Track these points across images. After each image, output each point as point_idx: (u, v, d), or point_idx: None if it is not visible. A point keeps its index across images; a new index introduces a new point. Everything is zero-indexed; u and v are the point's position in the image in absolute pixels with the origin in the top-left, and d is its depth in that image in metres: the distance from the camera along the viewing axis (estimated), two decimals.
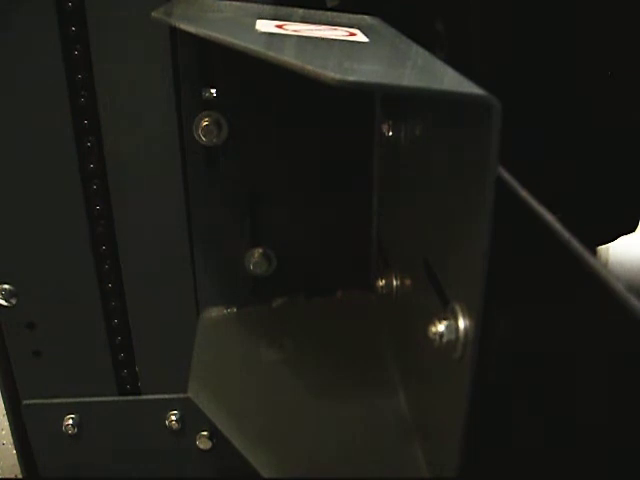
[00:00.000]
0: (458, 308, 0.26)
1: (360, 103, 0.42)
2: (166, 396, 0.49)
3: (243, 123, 0.42)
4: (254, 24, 0.34)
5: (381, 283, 0.42)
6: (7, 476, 0.66)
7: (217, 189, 0.43)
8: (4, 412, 0.49)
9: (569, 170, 0.47)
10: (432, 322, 0.27)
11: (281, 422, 0.37)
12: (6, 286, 0.44)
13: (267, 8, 0.40)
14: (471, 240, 0.25)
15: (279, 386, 0.40)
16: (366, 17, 0.42)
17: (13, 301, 0.45)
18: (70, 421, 0.49)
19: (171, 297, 0.46)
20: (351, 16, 0.41)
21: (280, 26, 0.34)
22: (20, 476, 0.52)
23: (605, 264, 0.77)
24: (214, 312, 0.46)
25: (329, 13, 0.40)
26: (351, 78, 0.22)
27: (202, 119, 0.41)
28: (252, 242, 0.45)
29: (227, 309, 0.47)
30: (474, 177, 0.24)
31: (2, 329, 0.46)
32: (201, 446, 0.50)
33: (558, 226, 0.23)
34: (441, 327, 0.27)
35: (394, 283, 0.40)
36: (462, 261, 0.26)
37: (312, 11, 0.40)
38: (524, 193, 0.26)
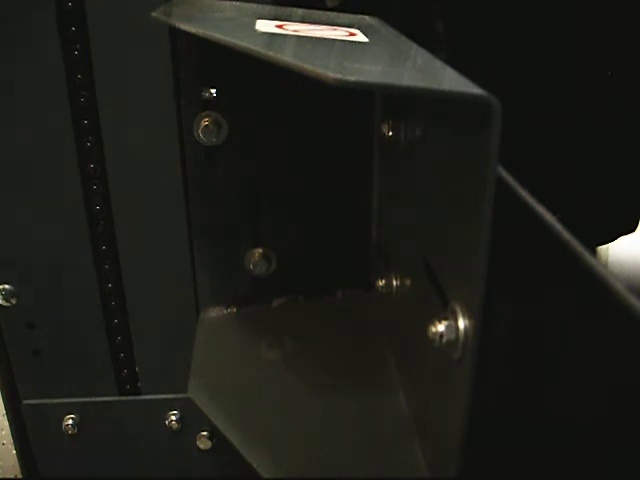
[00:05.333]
0: (458, 308, 0.26)
1: (360, 103, 0.42)
2: (166, 396, 0.49)
3: (243, 123, 0.42)
4: (254, 24, 0.34)
5: (381, 283, 0.42)
6: (7, 476, 0.66)
7: (217, 189, 0.43)
8: (4, 412, 0.49)
9: (569, 170, 0.47)
10: (432, 322, 0.27)
11: (281, 422, 0.37)
12: (6, 286, 0.44)
13: (267, 8, 0.40)
14: (471, 240, 0.25)
15: (279, 386, 0.40)
16: (366, 17, 0.41)
17: (13, 301, 0.45)
18: (70, 421, 0.49)
19: (171, 297, 0.46)
20: (351, 16, 0.41)
21: (280, 26, 0.34)
22: (20, 476, 0.52)
23: (605, 264, 0.77)
24: (214, 312, 0.46)
25: (329, 13, 0.40)
26: (351, 78, 0.22)
27: (202, 119, 0.41)
28: (252, 242, 0.45)
29: (227, 309, 0.47)
30: (474, 177, 0.24)
31: (2, 329, 0.46)
32: (201, 446, 0.50)
33: (558, 226, 0.23)
34: (441, 327, 0.27)
35: (394, 283, 0.40)
36: (462, 261, 0.26)
37: (312, 11, 0.40)
38: (524, 193, 0.26)
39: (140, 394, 0.49)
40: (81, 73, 0.40)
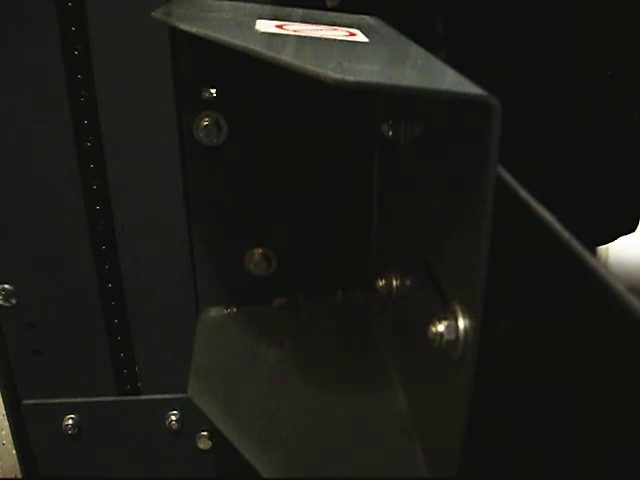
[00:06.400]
0: (458, 308, 0.26)
1: (360, 103, 0.42)
2: (166, 396, 0.49)
3: (243, 123, 0.42)
4: (254, 24, 0.34)
5: (381, 283, 0.42)
6: (7, 476, 0.66)
7: (217, 189, 0.43)
8: (4, 412, 0.49)
9: (569, 170, 0.47)
10: (432, 322, 0.27)
11: (281, 422, 0.37)
12: (6, 286, 0.44)
13: (267, 8, 0.40)
14: (471, 240, 0.25)
15: (279, 386, 0.40)
16: (366, 17, 0.42)
17: (13, 301, 0.45)
18: (70, 421, 0.49)
19: (171, 297, 0.46)
20: (351, 16, 0.41)
21: (280, 26, 0.34)
22: (20, 476, 0.52)
23: (605, 264, 0.77)
24: (214, 312, 0.46)
25: (329, 13, 0.41)
26: (351, 78, 0.22)
27: (202, 119, 0.41)
28: (252, 242, 0.45)
29: (227, 309, 0.47)
30: (474, 177, 0.24)
31: (2, 329, 0.46)
32: (201, 446, 0.50)
33: (558, 226, 0.23)
34: (441, 327, 0.27)
35: (394, 283, 0.40)
36: (462, 261, 0.26)
37: (312, 11, 0.40)
38: (524, 193, 0.26)
39: (140, 394, 0.49)
40: (81, 73, 0.40)
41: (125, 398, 0.49)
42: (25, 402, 0.48)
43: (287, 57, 0.25)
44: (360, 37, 0.34)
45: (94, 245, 0.44)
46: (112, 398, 0.49)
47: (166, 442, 0.50)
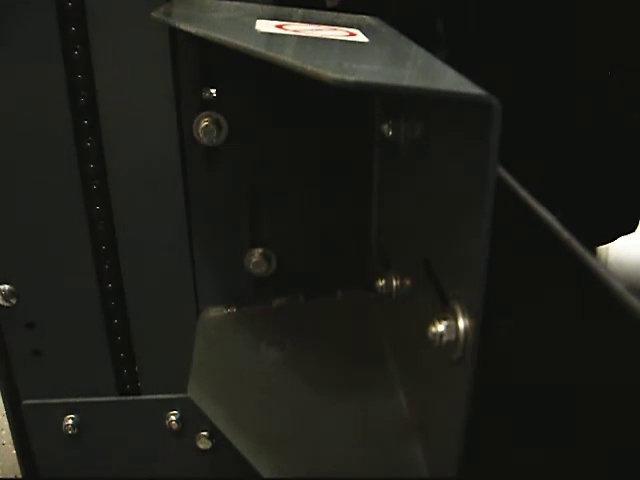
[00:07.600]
0: (458, 308, 0.26)
1: (360, 103, 0.42)
2: (166, 396, 0.49)
3: (243, 123, 0.42)
4: (254, 24, 0.34)
5: (381, 283, 0.42)
6: (7, 476, 0.66)
7: (217, 189, 0.43)
8: (4, 412, 0.49)
9: (569, 170, 0.47)
10: (432, 322, 0.27)
11: (281, 422, 0.37)
12: (6, 286, 0.44)
13: (267, 8, 0.40)
14: (471, 240, 0.25)
15: (279, 386, 0.40)
16: (366, 17, 0.42)
17: (13, 301, 0.45)
18: (70, 421, 0.49)
19: (171, 297, 0.46)
20: (351, 16, 0.41)
21: (280, 26, 0.34)
22: (20, 476, 0.52)
23: (605, 264, 0.77)
24: (214, 312, 0.46)
25: (329, 13, 0.41)
26: (351, 78, 0.22)
27: (202, 119, 0.41)
28: (252, 242, 0.45)
29: (227, 309, 0.47)
30: (474, 177, 0.24)
31: (2, 329, 0.46)
32: (201, 446, 0.50)
33: (558, 226, 0.23)
34: (441, 327, 0.27)
35: (394, 283, 0.40)
36: (462, 261, 0.26)
37: (312, 11, 0.40)
38: (524, 193, 0.26)
39: (140, 394, 0.49)
40: (81, 73, 0.40)
41: (125, 398, 0.49)
42: (25, 402, 0.48)
43: (287, 57, 0.25)
44: (360, 37, 0.34)
45: (94, 245, 0.44)
46: (112, 398, 0.49)
47: (166, 442, 0.50)
